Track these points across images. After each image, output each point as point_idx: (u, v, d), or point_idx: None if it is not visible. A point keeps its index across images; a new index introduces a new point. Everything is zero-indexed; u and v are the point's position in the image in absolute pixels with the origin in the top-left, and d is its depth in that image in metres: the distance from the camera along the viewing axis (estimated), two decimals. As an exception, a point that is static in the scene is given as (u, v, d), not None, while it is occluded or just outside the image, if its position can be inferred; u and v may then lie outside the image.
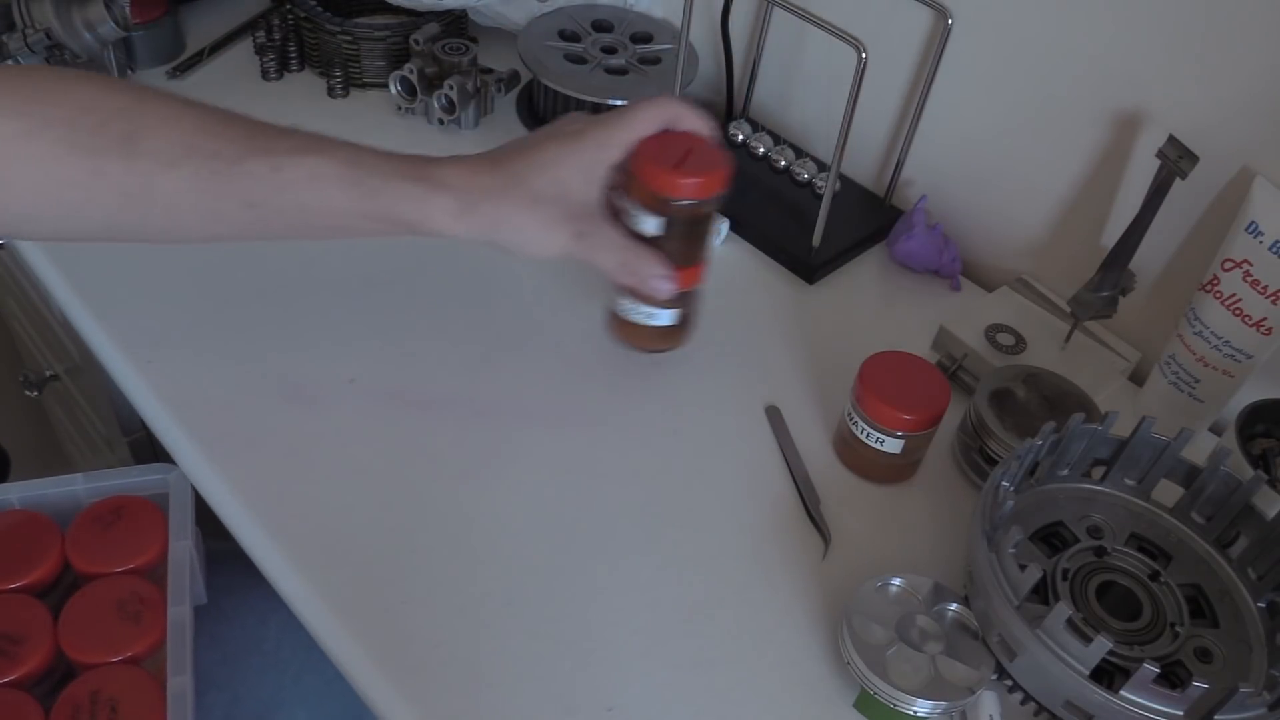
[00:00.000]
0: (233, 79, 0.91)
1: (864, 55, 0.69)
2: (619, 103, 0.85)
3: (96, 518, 0.63)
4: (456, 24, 0.92)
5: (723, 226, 0.80)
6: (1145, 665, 0.45)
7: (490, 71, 0.88)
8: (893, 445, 0.62)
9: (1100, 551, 0.55)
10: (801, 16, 0.72)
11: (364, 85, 0.91)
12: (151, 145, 0.52)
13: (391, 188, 0.55)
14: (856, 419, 0.62)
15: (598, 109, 0.86)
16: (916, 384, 0.62)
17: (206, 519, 0.63)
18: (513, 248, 0.57)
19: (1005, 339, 0.72)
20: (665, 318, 0.65)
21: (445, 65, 0.86)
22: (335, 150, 0.55)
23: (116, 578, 0.61)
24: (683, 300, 0.64)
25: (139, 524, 0.63)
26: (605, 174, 0.58)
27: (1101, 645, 0.46)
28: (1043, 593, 0.53)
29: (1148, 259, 0.71)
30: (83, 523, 0.62)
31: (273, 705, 0.66)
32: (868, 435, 0.62)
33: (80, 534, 0.62)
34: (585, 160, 0.57)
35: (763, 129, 0.88)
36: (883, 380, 0.61)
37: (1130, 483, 0.59)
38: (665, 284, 0.60)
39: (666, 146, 0.58)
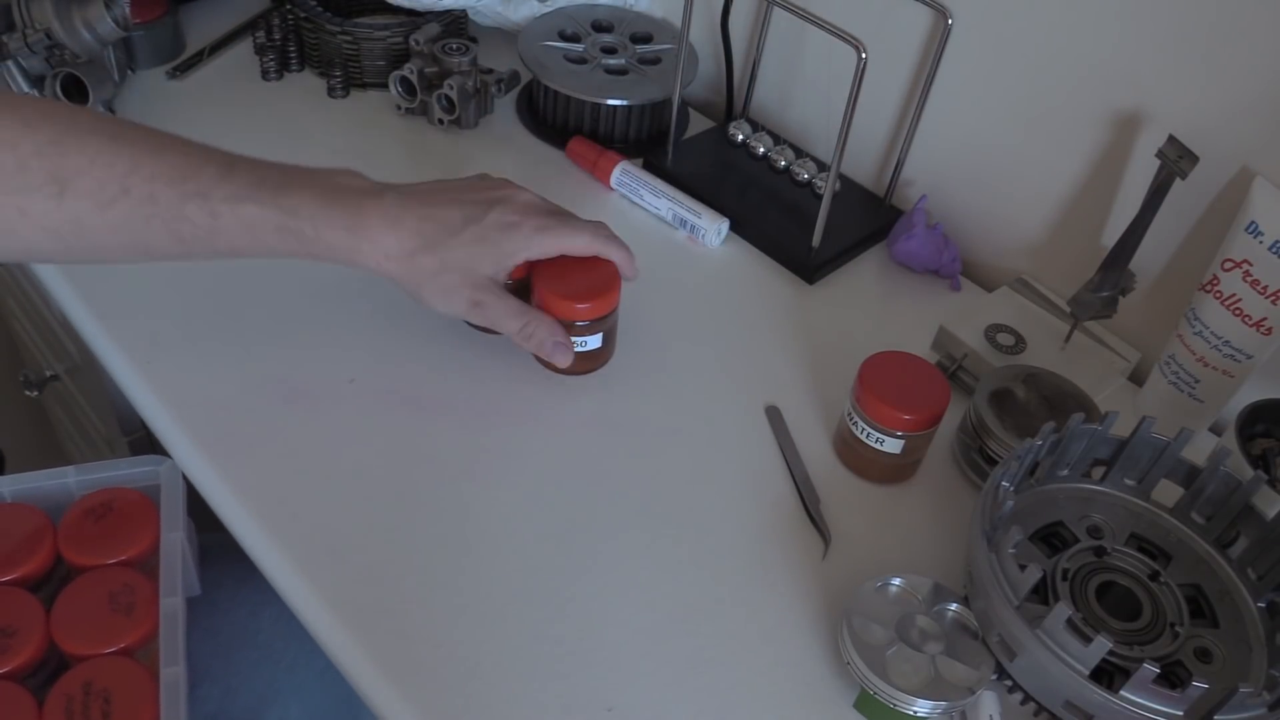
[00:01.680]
0: (233, 79, 0.91)
1: (864, 55, 0.69)
2: (619, 103, 0.85)
3: (88, 510, 0.63)
4: (456, 24, 0.92)
5: (723, 226, 0.80)
6: (1145, 665, 0.45)
7: (490, 71, 0.88)
8: (893, 445, 0.62)
9: (1100, 551, 0.55)
10: (801, 16, 0.72)
11: (364, 85, 0.91)
12: (82, 185, 0.52)
13: (324, 240, 0.58)
14: (856, 419, 0.62)
15: (597, 109, 0.86)
16: (916, 384, 0.62)
17: (199, 512, 0.63)
18: (414, 298, 0.62)
19: (1005, 339, 0.72)
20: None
21: (445, 65, 0.86)
22: (271, 198, 0.56)
23: (108, 570, 0.61)
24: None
25: (131, 516, 0.63)
26: (514, 265, 0.62)
27: (1101, 645, 0.46)
28: (1043, 593, 0.53)
29: (1148, 259, 0.71)
30: (74, 515, 0.63)
31: (266, 697, 0.66)
32: (868, 435, 0.62)
33: (72, 526, 0.62)
34: (502, 253, 0.61)
35: (763, 129, 0.88)
36: (883, 380, 0.61)
37: (1130, 483, 0.59)
38: (564, 353, 0.64)
39: (565, 270, 0.64)
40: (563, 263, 0.65)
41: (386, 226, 0.59)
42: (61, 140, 0.53)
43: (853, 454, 0.64)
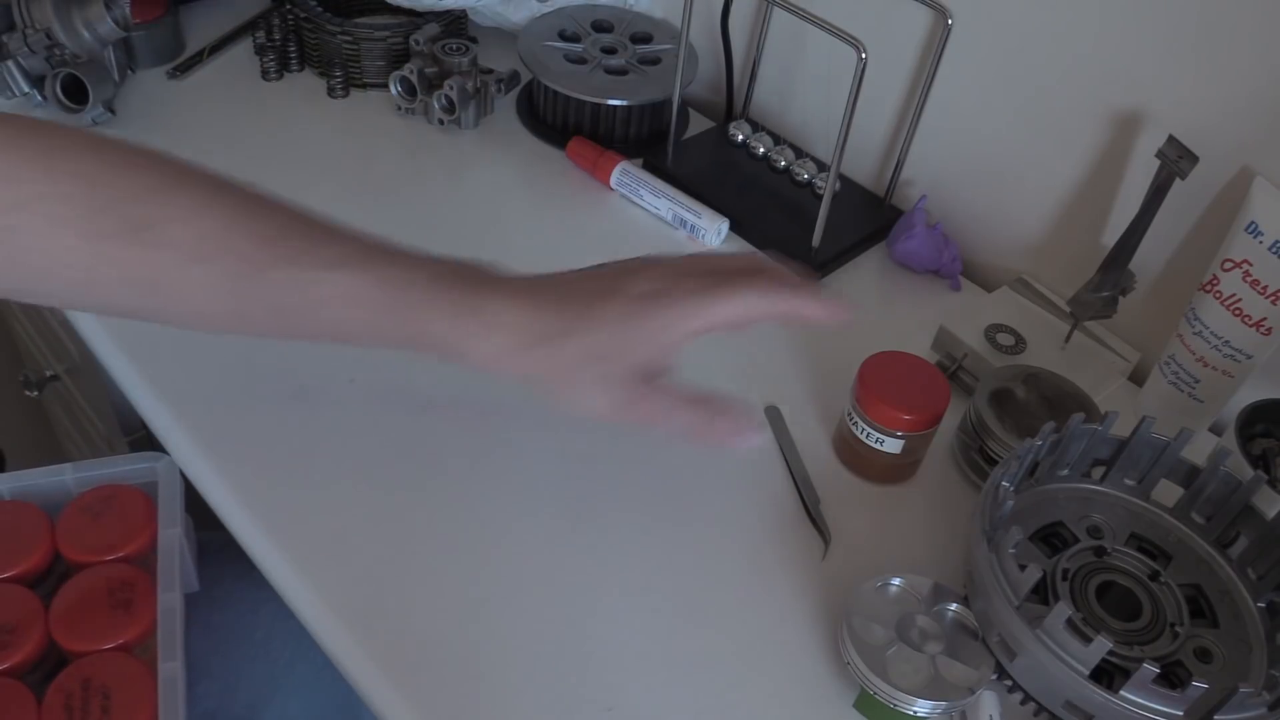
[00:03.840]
0: (233, 79, 0.91)
1: (864, 55, 0.69)
2: (619, 103, 0.85)
3: (86, 507, 0.63)
4: (456, 24, 0.92)
5: (723, 226, 0.80)
6: (1145, 665, 0.45)
7: (490, 71, 0.88)
8: (893, 445, 0.62)
9: (1100, 551, 0.55)
10: (801, 16, 0.72)
11: (364, 85, 0.91)
12: (170, 236, 0.48)
13: (430, 319, 0.51)
14: (856, 419, 0.62)
15: (597, 109, 0.86)
16: (916, 384, 0.62)
17: (198, 509, 0.63)
18: (548, 397, 0.52)
19: (1005, 339, 0.72)
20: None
21: (445, 65, 0.86)
22: (372, 267, 0.50)
23: (107, 566, 0.61)
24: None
25: (128, 512, 0.63)
26: (682, 342, 0.52)
27: (1101, 645, 0.46)
28: (1043, 593, 0.53)
29: (1148, 259, 0.71)
30: (72, 512, 0.63)
31: (265, 695, 0.67)
32: (868, 435, 0.62)
33: (70, 523, 0.62)
34: (656, 327, 0.51)
35: (763, 129, 0.88)
36: (883, 380, 0.61)
37: (1130, 483, 0.59)
38: (743, 437, 0.55)
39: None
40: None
41: (510, 299, 0.51)
42: (160, 188, 0.49)
43: (853, 454, 0.64)
